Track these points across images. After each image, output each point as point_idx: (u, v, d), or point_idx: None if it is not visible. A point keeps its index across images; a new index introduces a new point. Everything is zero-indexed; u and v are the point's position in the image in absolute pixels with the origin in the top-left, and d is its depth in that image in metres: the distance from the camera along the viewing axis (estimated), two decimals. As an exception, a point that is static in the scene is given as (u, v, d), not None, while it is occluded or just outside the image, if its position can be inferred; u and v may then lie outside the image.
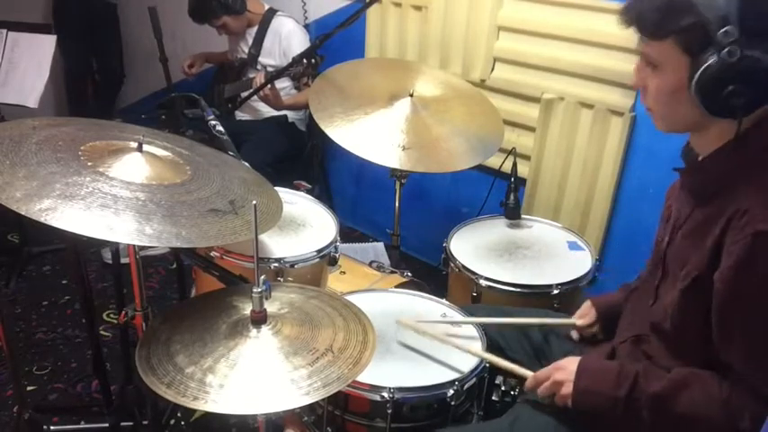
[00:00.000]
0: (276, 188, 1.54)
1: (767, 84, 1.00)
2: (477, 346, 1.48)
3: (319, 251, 1.85)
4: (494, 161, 2.21)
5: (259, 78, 2.74)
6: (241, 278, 1.53)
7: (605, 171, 2.29)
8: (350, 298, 1.49)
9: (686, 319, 1.14)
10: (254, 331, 1.17)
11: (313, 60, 2.43)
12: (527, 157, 2.44)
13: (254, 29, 2.97)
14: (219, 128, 1.95)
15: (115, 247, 1.79)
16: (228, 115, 2.98)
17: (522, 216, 2.11)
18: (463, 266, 1.84)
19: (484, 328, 1.53)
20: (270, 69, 2.80)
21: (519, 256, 1.94)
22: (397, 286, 2.00)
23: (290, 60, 2.49)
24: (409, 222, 2.42)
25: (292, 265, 1.80)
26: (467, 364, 1.43)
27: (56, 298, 2.72)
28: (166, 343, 1.17)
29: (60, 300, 2.71)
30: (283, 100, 2.81)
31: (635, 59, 1.16)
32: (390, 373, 1.39)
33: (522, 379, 1.37)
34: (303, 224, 2.00)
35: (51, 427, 1.84)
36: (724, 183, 1.09)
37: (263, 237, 1.81)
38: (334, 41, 2.26)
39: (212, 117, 1.99)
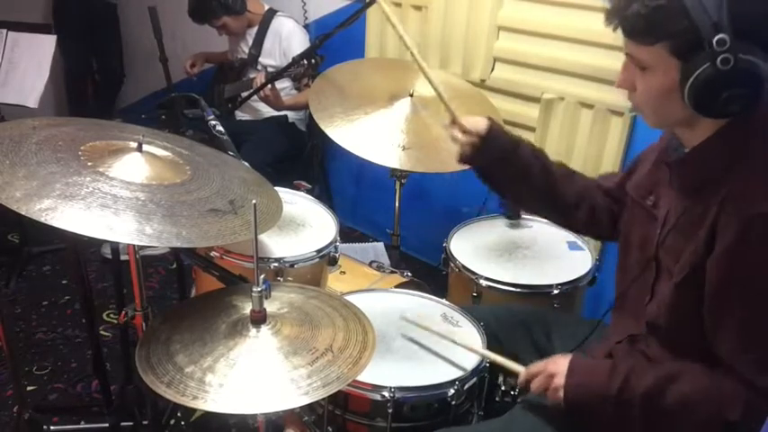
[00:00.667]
0: (276, 188, 1.54)
1: (759, 85, 0.99)
2: (477, 343, 1.48)
3: (319, 251, 1.85)
4: (494, 161, 2.21)
5: (259, 78, 2.74)
6: (241, 278, 1.53)
7: (605, 171, 2.29)
8: (350, 298, 1.49)
9: (682, 314, 1.13)
10: (253, 331, 1.16)
11: (313, 60, 2.43)
12: (527, 157, 2.44)
13: (255, 29, 2.97)
14: (219, 128, 1.95)
15: (115, 244, 1.79)
16: (228, 115, 2.98)
17: (522, 216, 2.11)
18: (463, 266, 1.84)
19: (486, 324, 1.53)
20: (270, 70, 2.80)
21: (519, 256, 1.94)
22: (397, 286, 2.00)
23: (291, 61, 2.49)
24: (409, 222, 2.42)
25: (292, 265, 1.80)
26: (467, 363, 1.43)
27: (56, 298, 2.72)
28: (166, 342, 1.17)
29: (60, 300, 2.71)
30: (284, 100, 2.81)
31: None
32: (391, 372, 1.39)
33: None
34: (303, 224, 2.00)
35: (51, 427, 1.84)
36: (713, 173, 1.08)
37: (263, 237, 1.81)
38: (334, 41, 2.26)
39: (212, 117, 1.99)
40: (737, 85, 0.99)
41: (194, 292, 2.10)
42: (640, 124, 2.17)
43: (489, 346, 1.46)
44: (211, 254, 1.78)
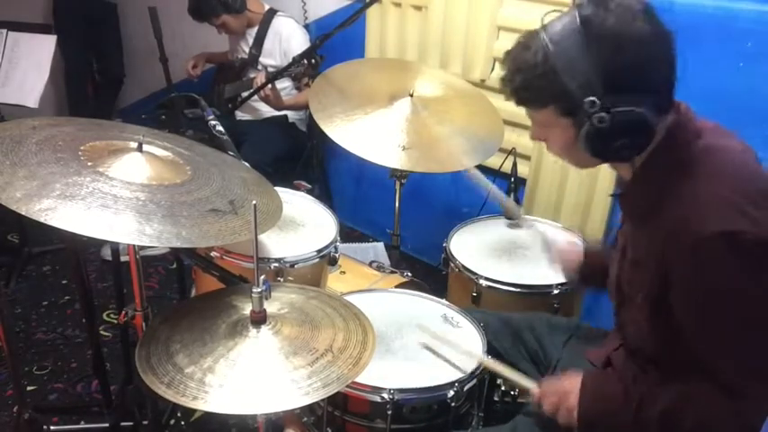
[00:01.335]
0: (276, 188, 1.54)
1: (643, 129, 1.03)
2: (479, 348, 1.48)
3: (319, 251, 1.85)
4: (494, 161, 2.21)
5: (259, 78, 2.74)
6: (241, 278, 1.53)
7: (605, 171, 2.29)
8: (350, 298, 1.49)
9: (658, 340, 1.16)
10: (253, 331, 1.16)
11: (313, 60, 2.43)
12: (527, 157, 2.44)
13: (255, 29, 2.97)
14: (219, 128, 1.96)
15: (115, 245, 1.79)
16: (228, 115, 2.99)
17: (522, 216, 2.11)
18: (463, 266, 1.84)
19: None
20: (270, 70, 2.80)
21: (519, 256, 1.94)
22: (397, 286, 2.00)
23: (291, 60, 2.49)
24: (409, 222, 2.42)
25: (292, 265, 1.80)
26: (467, 365, 1.43)
27: (56, 298, 2.72)
28: (166, 342, 1.17)
29: (60, 300, 2.71)
30: (284, 100, 2.81)
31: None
32: (390, 373, 1.39)
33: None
34: (303, 224, 2.00)
35: (51, 427, 1.84)
36: (649, 203, 1.10)
37: (263, 237, 1.81)
38: (334, 41, 2.26)
39: (212, 117, 1.99)
40: (620, 137, 1.03)
41: (194, 292, 2.10)
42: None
43: (498, 358, 1.46)
44: (211, 254, 1.78)
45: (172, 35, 3.25)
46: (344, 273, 2.16)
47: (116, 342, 2.38)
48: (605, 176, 2.29)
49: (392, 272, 2.20)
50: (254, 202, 1.12)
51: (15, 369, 1.73)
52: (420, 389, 1.35)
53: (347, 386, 1.18)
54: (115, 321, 2.50)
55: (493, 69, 2.51)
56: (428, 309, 1.64)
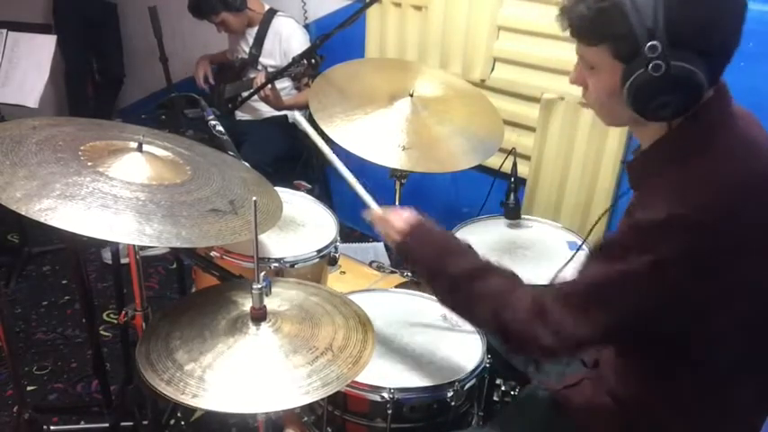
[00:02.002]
0: (276, 188, 1.54)
1: (692, 91, 1.00)
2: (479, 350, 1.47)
3: (319, 251, 1.85)
4: (494, 161, 2.21)
5: (259, 78, 2.74)
6: (241, 278, 1.53)
7: (605, 171, 2.29)
8: (350, 298, 1.49)
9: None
10: (253, 328, 1.17)
11: (313, 60, 2.43)
12: (527, 157, 2.44)
13: (255, 29, 2.97)
14: (219, 128, 1.95)
15: (115, 248, 1.79)
16: (228, 115, 2.98)
17: (522, 216, 2.11)
18: (463, 266, 1.84)
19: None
20: (270, 70, 2.80)
21: (519, 256, 1.94)
22: (397, 286, 2.00)
23: (291, 60, 2.49)
24: (409, 222, 2.42)
25: (292, 265, 1.79)
26: (467, 364, 1.43)
27: (56, 298, 2.72)
28: (166, 339, 1.17)
29: (60, 300, 2.71)
30: (284, 100, 2.81)
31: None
32: (390, 373, 1.39)
33: (522, 380, 1.37)
34: (303, 224, 2.00)
35: (51, 427, 1.84)
36: (651, 174, 1.10)
37: (263, 237, 1.81)
38: (334, 41, 2.26)
39: (212, 117, 1.99)
40: (668, 92, 1.00)
41: (194, 292, 2.10)
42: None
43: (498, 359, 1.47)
44: (211, 254, 1.78)
45: (172, 34, 3.25)
46: (344, 273, 2.16)
47: (116, 342, 2.38)
48: (605, 177, 2.30)
49: (392, 272, 2.20)
50: (254, 199, 1.12)
51: (15, 369, 1.73)
52: (420, 388, 1.36)
53: (347, 385, 1.18)
54: (115, 321, 2.50)
55: (493, 69, 2.51)
56: (428, 309, 1.64)
